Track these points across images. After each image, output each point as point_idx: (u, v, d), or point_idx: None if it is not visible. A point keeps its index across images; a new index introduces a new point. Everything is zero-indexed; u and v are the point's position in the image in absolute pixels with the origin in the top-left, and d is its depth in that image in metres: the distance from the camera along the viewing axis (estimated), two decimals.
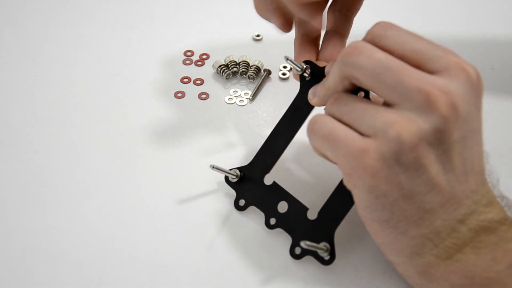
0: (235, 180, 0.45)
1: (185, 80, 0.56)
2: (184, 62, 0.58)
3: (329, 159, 0.37)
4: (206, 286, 0.41)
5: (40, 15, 0.63)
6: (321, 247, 0.39)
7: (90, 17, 0.63)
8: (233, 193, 0.45)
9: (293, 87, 0.55)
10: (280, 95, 0.55)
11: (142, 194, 0.46)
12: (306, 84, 0.43)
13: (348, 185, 0.35)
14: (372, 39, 0.34)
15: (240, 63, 0.56)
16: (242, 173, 0.45)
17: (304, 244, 0.37)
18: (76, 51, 0.59)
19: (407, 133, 0.32)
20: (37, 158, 0.49)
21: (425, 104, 0.32)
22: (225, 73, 0.56)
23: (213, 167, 0.43)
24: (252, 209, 0.44)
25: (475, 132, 0.34)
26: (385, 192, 0.33)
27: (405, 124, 0.32)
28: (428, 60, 0.33)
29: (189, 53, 0.59)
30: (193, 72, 0.57)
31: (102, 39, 0.61)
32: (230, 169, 0.44)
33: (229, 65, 0.56)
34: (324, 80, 0.39)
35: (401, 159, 0.32)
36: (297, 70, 0.42)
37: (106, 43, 0.60)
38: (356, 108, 0.34)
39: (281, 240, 0.43)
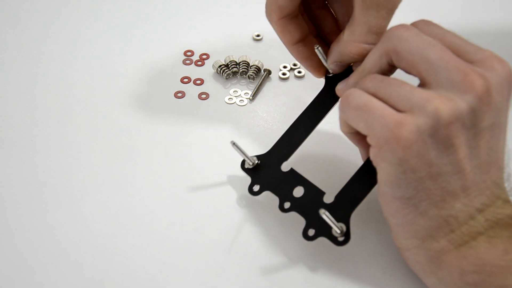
0: (251, 167, 0.45)
1: (185, 80, 0.56)
2: (184, 62, 0.58)
3: (354, 137, 0.39)
4: (213, 280, 0.41)
5: (40, 15, 0.63)
6: (337, 225, 0.39)
7: (90, 17, 0.63)
8: (235, 198, 0.45)
9: (293, 87, 0.56)
10: (280, 95, 0.55)
11: (142, 194, 0.46)
12: (329, 80, 0.44)
13: (376, 159, 0.35)
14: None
15: (240, 63, 0.56)
16: (259, 162, 0.45)
17: (323, 213, 0.37)
18: (76, 51, 0.59)
19: (444, 109, 0.33)
20: (37, 158, 0.49)
21: (463, 83, 0.33)
22: (225, 73, 0.56)
23: (234, 144, 0.43)
24: (263, 205, 0.44)
25: (502, 125, 0.35)
26: (413, 168, 0.34)
27: (443, 100, 0.33)
28: (466, 51, 0.35)
29: (189, 53, 0.59)
30: (193, 72, 0.57)
31: (102, 39, 0.61)
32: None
33: (229, 65, 0.56)
34: (359, 66, 0.39)
35: (436, 134, 0.33)
36: (325, 61, 0.43)
37: (106, 43, 0.60)
38: (392, 84, 0.35)
39: (280, 240, 0.43)
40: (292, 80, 0.56)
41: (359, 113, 0.35)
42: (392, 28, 0.36)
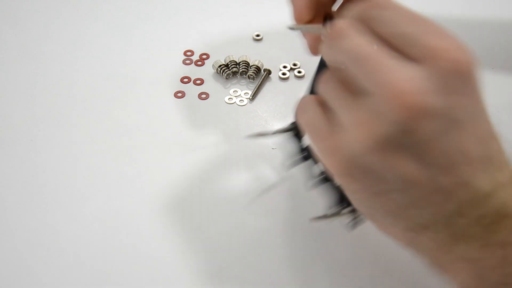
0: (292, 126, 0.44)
1: (185, 80, 0.56)
2: (184, 62, 0.58)
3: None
4: (213, 280, 0.41)
5: (40, 15, 0.63)
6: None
7: (90, 17, 0.63)
8: (236, 198, 0.45)
9: (293, 87, 0.56)
10: (280, 95, 0.55)
11: (142, 194, 0.46)
12: None
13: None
14: (362, 18, 0.33)
15: (240, 63, 0.56)
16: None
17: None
18: (76, 51, 0.59)
19: (367, 136, 0.31)
20: (37, 158, 0.49)
21: (386, 104, 0.30)
22: (225, 73, 0.56)
23: (276, 132, 0.42)
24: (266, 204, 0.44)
25: (465, 120, 0.32)
26: (355, 190, 0.33)
27: (364, 129, 0.31)
28: (412, 46, 0.31)
29: (189, 53, 0.59)
30: (193, 72, 0.57)
31: (102, 39, 0.61)
32: (273, 132, 0.44)
33: (229, 65, 0.56)
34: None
35: (365, 161, 0.31)
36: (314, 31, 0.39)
37: (106, 43, 0.60)
38: (332, 98, 0.34)
39: (280, 240, 0.43)
40: (292, 80, 0.56)
41: (306, 131, 0.35)
42: (329, 35, 0.33)
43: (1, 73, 0.57)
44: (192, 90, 0.55)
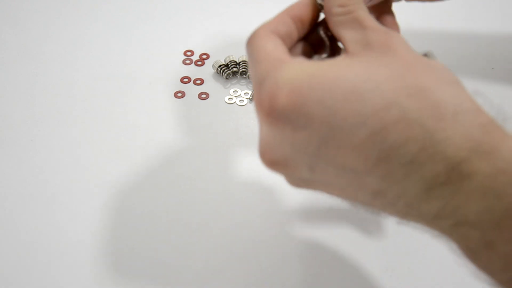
0: None
1: (185, 80, 0.56)
2: (184, 62, 0.58)
3: None
4: (213, 280, 0.41)
5: (40, 15, 0.63)
6: None
7: (90, 17, 0.63)
8: (236, 198, 0.45)
9: None
10: None
11: (142, 194, 0.46)
12: None
13: None
14: None
15: (240, 63, 0.56)
16: None
17: None
18: (76, 51, 0.59)
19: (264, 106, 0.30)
20: (37, 158, 0.49)
21: (256, 105, 0.31)
22: (225, 73, 0.56)
23: None
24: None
25: (329, 138, 0.29)
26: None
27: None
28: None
29: (189, 53, 0.59)
30: (193, 72, 0.57)
31: (102, 39, 0.61)
32: None
33: (229, 65, 0.56)
34: None
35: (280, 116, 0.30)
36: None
37: (106, 43, 0.60)
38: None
39: (280, 240, 0.43)
40: None
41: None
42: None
43: (1, 73, 0.57)
44: (192, 90, 0.55)
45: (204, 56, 0.58)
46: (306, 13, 0.35)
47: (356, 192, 0.30)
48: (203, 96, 0.55)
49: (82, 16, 0.63)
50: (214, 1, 0.65)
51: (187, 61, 0.58)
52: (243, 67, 0.56)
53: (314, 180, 0.31)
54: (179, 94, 0.55)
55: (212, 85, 0.56)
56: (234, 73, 0.56)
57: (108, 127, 0.52)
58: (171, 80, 0.56)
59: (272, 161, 0.32)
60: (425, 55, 0.37)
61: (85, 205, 0.46)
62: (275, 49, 0.32)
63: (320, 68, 0.29)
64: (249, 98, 0.54)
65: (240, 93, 0.55)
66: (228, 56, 0.57)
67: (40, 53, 0.59)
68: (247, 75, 0.56)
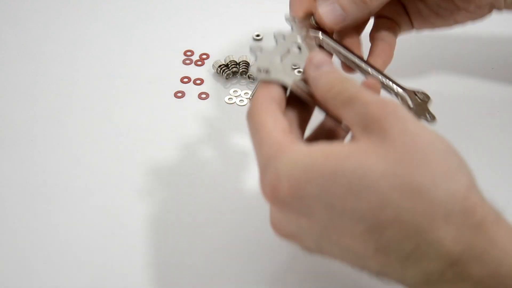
0: None
1: (185, 80, 0.56)
2: (184, 62, 0.58)
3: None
4: (213, 280, 0.41)
5: (40, 15, 0.63)
6: None
7: (90, 17, 0.63)
8: (236, 198, 0.45)
9: None
10: None
11: (142, 194, 0.46)
12: None
13: None
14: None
15: (240, 63, 0.56)
16: None
17: None
18: (76, 51, 0.59)
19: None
20: (37, 158, 0.49)
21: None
22: (225, 73, 0.56)
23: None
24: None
25: (330, 226, 0.31)
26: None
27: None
28: None
29: (189, 53, 0.59)
30: (193, 72, 0.57)
31: (102, 39, 0.61)
32: None
33: (229, 65, 0.56)
34: None
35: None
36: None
37: (106, 43, 0.60)
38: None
39: (280, 240, 0.43)
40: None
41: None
42: None
43: (1, 73, 0.57)
44: (192, 90, 0.55)
45: (204, 56, 0.58)
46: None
47: (362, 268, 0.32)
48: (203, 96, 0.55)
49: (82, 16, 0.63)
50: (214, 1, 0.65)
51: (187, 61, 0.58)
52: (243, 67, 0.56)
53: (323, 253, 0.33)
54: (179, 94, 0.55)
55: (212, 85, 0.56)
56: (234, 73, 0.56)
57: (108, 127, 0.52)
58: (171, 80, 0.56)
59: (282, 234, 0.34)
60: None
61: (84, 205, 0.46)
62: (275, 129, 0.33)
63: (318, 161, 0.30)
64: (249, 98, 0.54)
65: (240, 93, 0.55)
66: (228, 56, 0.57)
67: (40, 53, 0.59)
68: (247, 75, 0.56)
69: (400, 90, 0.42)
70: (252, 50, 0.38)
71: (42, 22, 0.63)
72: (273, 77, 0.36)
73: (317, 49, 0.41)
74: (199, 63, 0.58)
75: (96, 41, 0.60)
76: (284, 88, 0.37)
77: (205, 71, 0.57)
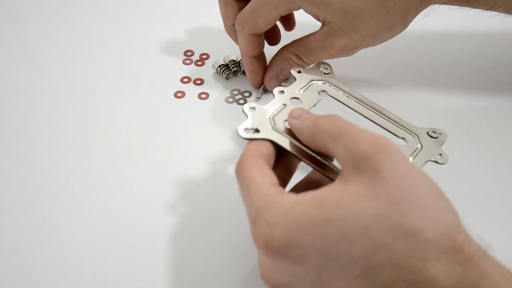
0: None
1: (185, 80, 0.56)
2: (184, 62, 0.58)
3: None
4: (213, 280, 0.41)
5: (40, 15, 0.63)
6: None
7: (90, 17, 0.63)
8: (236, 198, 0.45)
9: None
10: None
11: (142, 194, 0.46)
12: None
13: None
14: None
15: (240, 63, 0.56)
16: None
17: None
18: (76, 51, 0.59)
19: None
20: (37, 158, 0.49)
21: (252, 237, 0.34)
22: (225, 73, 0.56)
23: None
24: None
25: (324, 272, 0.31)
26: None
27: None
28: None
29: (189, 53, 0.59)
30: (193, 72, 0.57)
31: (102, 39, 0.61)
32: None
33: (229, 65, 0.56)
34: None
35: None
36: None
37: (106, 43, 0.60)
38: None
39: None
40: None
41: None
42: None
43: (1, 73, 0.57)
44: (192, 90, 0.55)
45: (204, 56, 0.58)
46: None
47: None
48: (203, 96, 0.55)
49: (82, 16, 0.63)
50: (214, 1, 0.65)
51: (187, 61, 0.58)
52: (243, 66, 0.56)
53: None
54: (179, 94, 0.55)
55: (212, 85, 0.56)
56: (234, 73, 0.56)
57: (108, 127, 0.52)
58: (171, 80, 0.56)
59: (273, 284, 0.34)
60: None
61: (84, 205, 0.46)
62: (263, 182, 0.34)
63: (309, 209, 0.31)
64: (257, 97, 0.54)
65: (240, 93, 0.55)
66: (228, 56, 0.57)
67: (40, 53, 0.59)
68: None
69: (407, 134, 0.41)
70: (245, 111, 0.39)
71: (42, 22, 0.63)
72: (260, 136, 0.37)
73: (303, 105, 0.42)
74: (199, 63, 0.58)
75: (96, 41, 0.60)
76: (274, 143, 0.37)
77: (205, 71, 0.57)
